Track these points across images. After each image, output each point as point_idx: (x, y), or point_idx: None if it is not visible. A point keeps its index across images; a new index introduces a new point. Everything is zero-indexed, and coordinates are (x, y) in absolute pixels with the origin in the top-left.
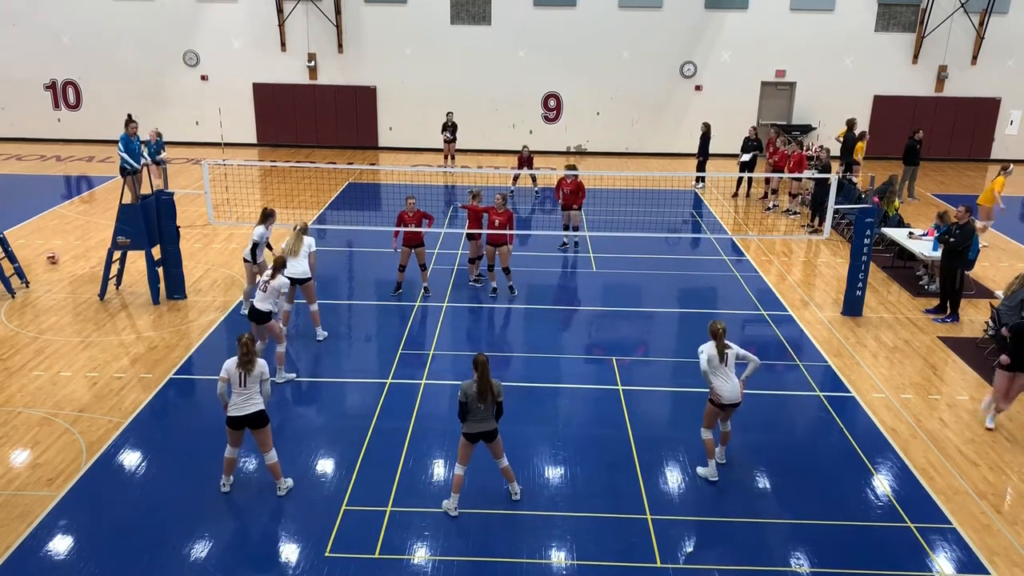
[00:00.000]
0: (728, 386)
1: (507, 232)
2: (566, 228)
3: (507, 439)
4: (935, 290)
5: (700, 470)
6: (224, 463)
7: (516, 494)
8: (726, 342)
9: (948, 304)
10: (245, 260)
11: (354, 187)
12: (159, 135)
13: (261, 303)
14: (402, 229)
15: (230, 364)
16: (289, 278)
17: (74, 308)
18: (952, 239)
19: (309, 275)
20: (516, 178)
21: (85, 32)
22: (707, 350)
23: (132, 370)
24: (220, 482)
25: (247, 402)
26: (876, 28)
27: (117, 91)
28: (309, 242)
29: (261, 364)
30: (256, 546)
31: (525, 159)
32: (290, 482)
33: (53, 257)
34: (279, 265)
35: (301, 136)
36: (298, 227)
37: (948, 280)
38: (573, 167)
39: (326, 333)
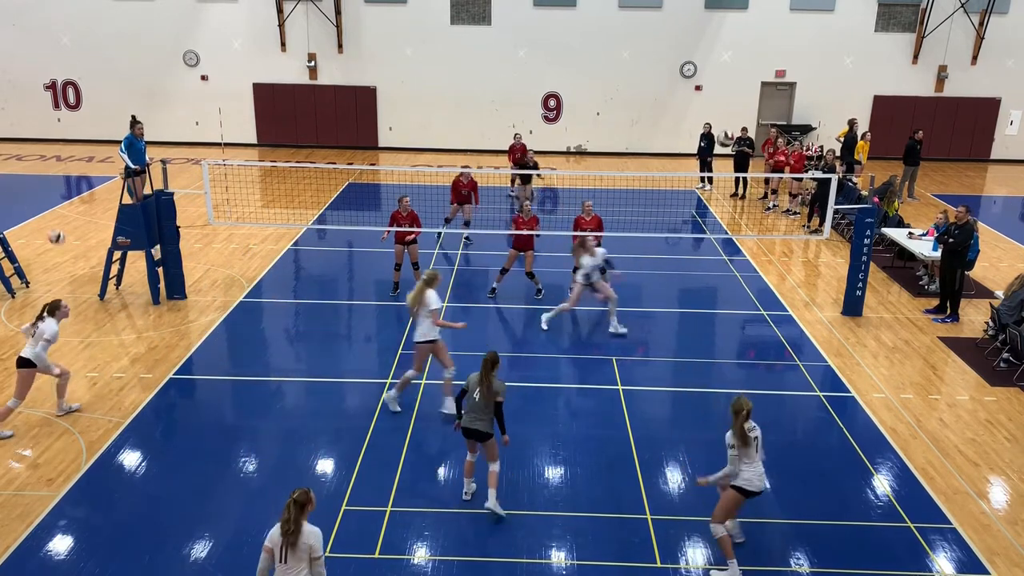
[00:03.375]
0: (757, 473)
1: (534, 235)
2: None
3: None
4: (935, 290)
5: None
6: None
7: (494, 506)
8: (750, 424)
9: (948, 304)
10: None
11: (354, 187)
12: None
13: (26, 351)
14: (394, 228)
15: (274, 532)
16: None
17: (74, 308)
18: (951, 239)
19: (431, 336)
20: (514, 180)
21: (85, 32)
22: (730, 439)
23: (132, 370)
24: None
25: None
26: (876, 28)
27: (117, 91)
28: (432, 297)
29: (310, 535)
30: (256, 546)
31: (519, 148)
32: None
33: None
34: (50, 309)
35: (301, 136)
36: (425, 277)
37: (948, 280)
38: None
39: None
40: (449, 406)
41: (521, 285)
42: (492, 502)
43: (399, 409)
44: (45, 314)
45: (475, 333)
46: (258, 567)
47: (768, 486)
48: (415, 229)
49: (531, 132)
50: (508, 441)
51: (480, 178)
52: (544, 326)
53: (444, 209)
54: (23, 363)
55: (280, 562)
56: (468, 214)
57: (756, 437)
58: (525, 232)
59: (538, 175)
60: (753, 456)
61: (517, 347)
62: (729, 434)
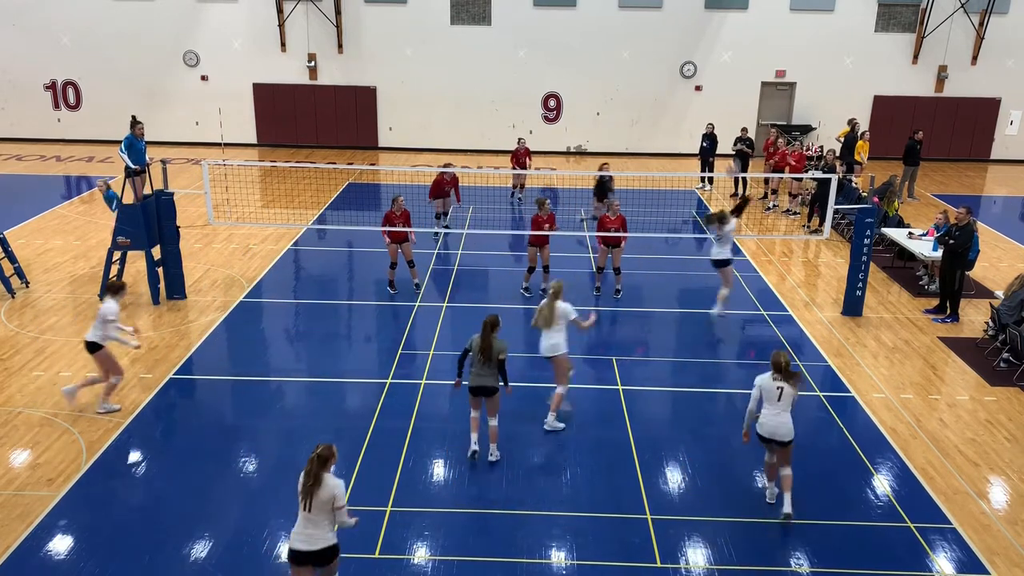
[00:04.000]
0: (773, 421)
1: (551, 232)
2: (601, 271)
3: (507, 439)
4: (935, 290)
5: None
6: None
7: (494, 455)
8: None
9: (948, 304)
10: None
11: (354, 187)
12: (108, 186)
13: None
14: (389, 229)
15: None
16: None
17: (74, 308)
18: (952, 240)
19: (566, 348)
20: (515, 181)
21: (85, 32)
22: (761, 383)
23: (132, 370)
24: None
25: (313, 534)
26: (876, 28)
27: (117, 91)
28: (567, 308)
29: (332, 487)
30: (256, 546)
31: (522, 153)
32: None
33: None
34: (111, 289)
35: (301, 136)
36: (552, 290)
37: (948, 280)
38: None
39: (562, 425)
40: (552, 422)
41: (516, 284)
42: (494, 455)
43: (563, 426)
44: (107, 296)
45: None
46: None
47: (782, 439)
48: (408, 229)
49: (531, 132)
50: (511, 391)
51: (480, 178)
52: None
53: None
54: (91, 347)
55: (304, 510)
56: (447, 207)
57: (780, 388)
58: (546, 231)
59: (521, 184)
60: (778, 407)
61: (517, 347)
62: (755, 392)
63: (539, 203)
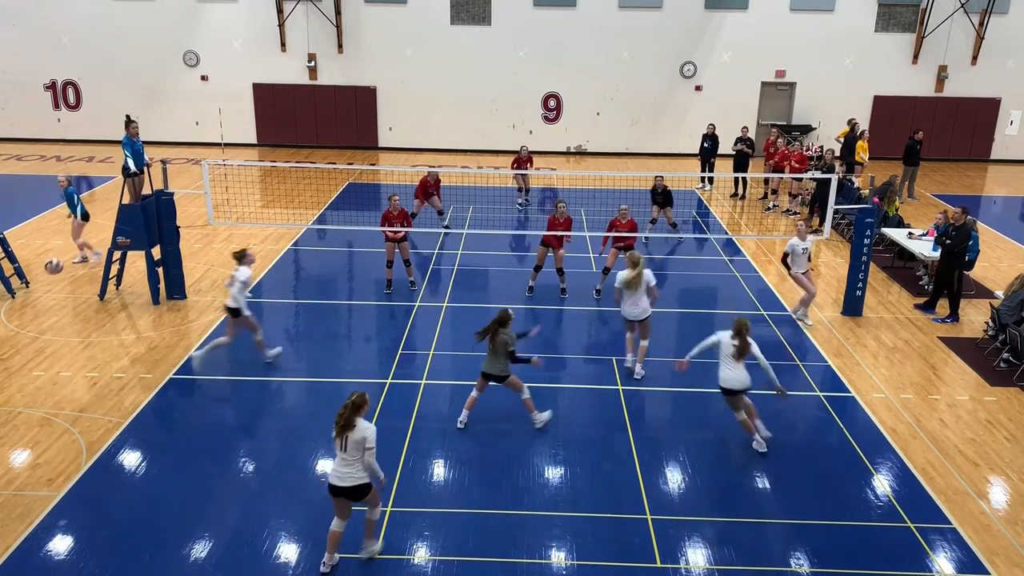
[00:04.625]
0: (727, 375)
1: (566, 235)
2: (607, 271)
3: (508, 439)
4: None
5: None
6: (328, 537)
7: (540, 422)
8: (747, 340)
9: (946, 303)
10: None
11: (354, 187)
12: (70, 182)
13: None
14: (386, 228)
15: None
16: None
17: (74, 308)
18: (949, 240)
19: (649, 312)
20: (520, 183)
21: (85, 32)
22: (720, 338)
23: (132, 370)
24: (322, 560)
25: (347, 472)
26: (876, 28)
27: (117, 91)
28: (648, 277)
29: (364, 429)
30: (256, 546)
31: (525, 160)
32: (376, 548)
33: (54, 264)
34: (239, 257)
35: (301, 136)
36: (634, 259)
37: (946, 281)
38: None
39: (643, 372)
40: (638, 371)
41: (516, 285)
42: (541, 422)
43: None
44: (240, 264)
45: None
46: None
47: (738, 387)
48: (404, 229)
49: (531, 132)
50: (539, 361)
51: (480, 178)
52: None
53: (443, 208)
54: (234, 312)
55: (340, 450)
56: (437, 205)
57: (735, 346)
58: (560, 232)
59: (525, 188)
60: (731, 362)
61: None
62: (712, 339)
63: (556, 205)
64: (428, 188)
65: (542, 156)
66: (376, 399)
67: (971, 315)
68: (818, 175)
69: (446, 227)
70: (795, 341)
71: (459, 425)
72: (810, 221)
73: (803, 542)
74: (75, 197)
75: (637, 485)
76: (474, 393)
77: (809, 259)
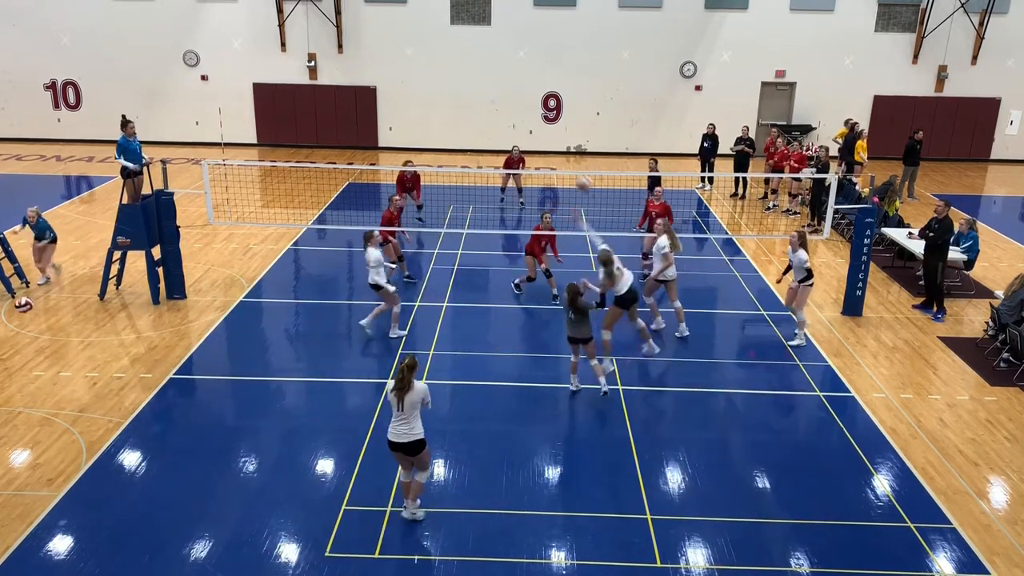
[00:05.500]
0: (625, 286)
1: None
2: (647, 256)
3: (508, 439)
4: None
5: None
6: (402, 489)
7: (604, 387)
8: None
9: (934, 299)
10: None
11: (354, 187)
12: (38, 215)
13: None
14: (386, 228)
15: (389, 386)
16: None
17: (74, 308)
18: (932, 233)
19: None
20: (506, 181)
21: (85, 32)
22: (604, 278)
23: (132, 370)
24: (403, 505)
25: (405, 430)
26: (876, 28)
27: (117, 91)
28: (664, 240)
29: (420, 389)
30: (256, 546)
31: (516, 160)
32: (421, 514)
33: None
34: (368, 239)
35: (301, 136)
36: (667, 227)
37: (930, 275)
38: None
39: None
40: (683, 330)
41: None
42: (604, 387)
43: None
44: (367, 245)
45: (476, 332)
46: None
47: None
48: (401, 229)
49: (531, 132)
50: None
51: (480, 178)
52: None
53: (442, 208)
54: (376, 288)
55: (398, 410)
56: (418, 198)
57: (619, 269)
58: (542, 245)
59: (518, 188)
60: (619, 281)
61: (518, 347)
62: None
63: (543, 216)
64: (406, 183)
65: (542, 156)
66: (376, 399)
67: (971, 315)
68: (812, 172)
69: (419, 219)
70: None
71: (602, 392)
72: (813, 222)
73: (803, 542)
74: (46, 223)
75: (637, 485)
76: (573, 359)
77: (810, 275)
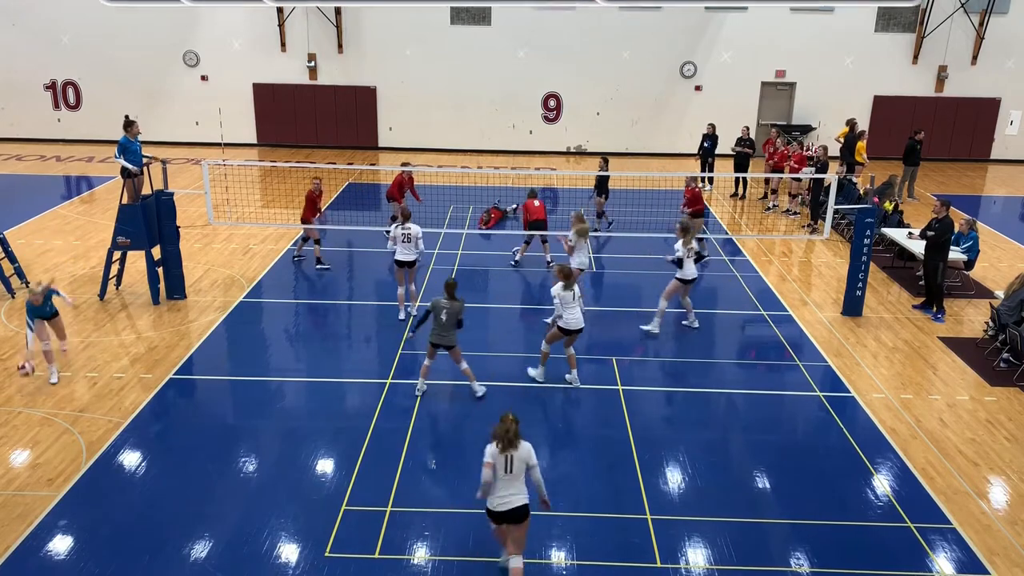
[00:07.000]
0: (575, 317)
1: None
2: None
3: None
4: None
5: (531, 371)
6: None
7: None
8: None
9: (933, 298)
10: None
11: (354, 187)
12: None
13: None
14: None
15: (492, 448)
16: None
17: (74, 308)
18: (931, 233)
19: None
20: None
21: (85, 32)
22: (557, 291)
23: (132, 370)
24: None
25: (513, 492)
26: (876, 28)
27: (117, 91)
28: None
29: (527, 448)
30: (256, 546)
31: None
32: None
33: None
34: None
35: (301, 136)
36: (686, 226)
37: (930, 274)
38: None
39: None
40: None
41: (516, 284)
42: (475, 387)
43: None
44: (400, 225)
45: (476, 333)
46: (481, 480)
47: (583, 327)
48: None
49: (531, 132)
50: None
51: (480, 178)
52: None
53: (443, 208)
54: (410, 264)
55: (506, 472)
56: (417, 199)
57: (572, 293)
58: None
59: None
60: (574, 306)
61: (517, 347)
62: (556, 298)
63: (531, 194)
64: (404, 186)
65: (542, 156)
66: (376, 399)
67: (971, 315)
68: (811, 173)
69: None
70: (795, 341)
71: (416, 393)
72: (812, 222)
73: (803, 542)
74: (50, 298)
75: (637, 485)
76: (427, 363)
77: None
